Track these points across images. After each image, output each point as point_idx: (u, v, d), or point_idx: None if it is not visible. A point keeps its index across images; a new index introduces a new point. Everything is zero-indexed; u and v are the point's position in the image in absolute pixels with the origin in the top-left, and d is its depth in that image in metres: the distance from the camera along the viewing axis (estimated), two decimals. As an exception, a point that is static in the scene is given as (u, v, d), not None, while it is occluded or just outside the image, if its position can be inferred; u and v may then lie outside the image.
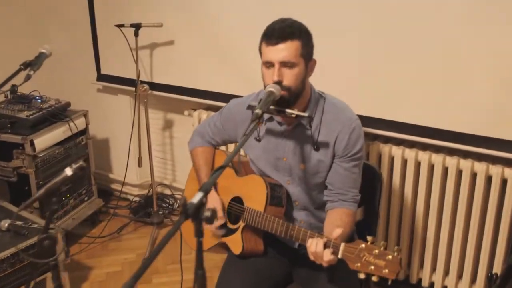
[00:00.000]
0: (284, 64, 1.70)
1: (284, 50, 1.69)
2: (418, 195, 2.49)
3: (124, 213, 3.51)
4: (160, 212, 3.40)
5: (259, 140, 1.95)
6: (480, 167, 2.32)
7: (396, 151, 2.48)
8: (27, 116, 2.87)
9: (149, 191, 3.51)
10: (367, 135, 2.57)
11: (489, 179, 2.33)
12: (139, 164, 3.21)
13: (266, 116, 1.87)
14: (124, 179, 3.43)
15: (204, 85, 2.99)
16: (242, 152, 2.14)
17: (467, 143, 2.32)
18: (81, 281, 2.85)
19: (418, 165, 2.46)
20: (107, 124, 3.61)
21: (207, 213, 1.17)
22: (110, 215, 3.43)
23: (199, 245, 1.21)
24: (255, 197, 1.88)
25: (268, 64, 1.73)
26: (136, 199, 3.61)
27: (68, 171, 1.48)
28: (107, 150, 3.71)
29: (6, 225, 2.35)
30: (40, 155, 2.88)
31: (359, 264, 1.49)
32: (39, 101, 3.07)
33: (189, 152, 2.21)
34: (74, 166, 1.48)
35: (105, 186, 3.73)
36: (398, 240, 2.63)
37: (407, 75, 2.37)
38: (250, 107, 1.68)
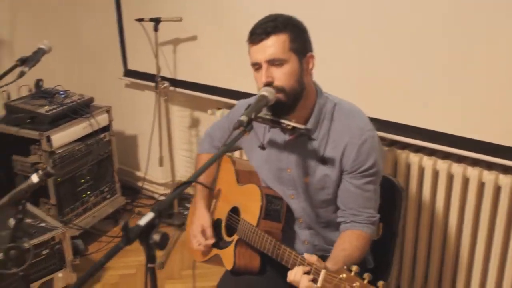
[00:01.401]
0: (272, 62, 1.51)
1: (270, 47, 1.50)
2: (436, 206, 2.26)
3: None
4: (186, 213, 3.28)
5: (263, 148, 1.76)
6: (505, 180, 2.06)
7: (413, 158, 2.25)
8: (46, 111, 2.82)
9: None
10: (383, 140, 2.32)
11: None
12: (160, 163, 3.11)
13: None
14: (145, 177, 3.34)
15: (228, 84, 2.83)
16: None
17: (491, 153, 2.05)
18: (93, 282, 2.77)
19: (436, 174, 2.22)
20: (134, 120, 3.53)
21: (156, 237, 1.03)
22: (133, 214, 3.35)
23: (151, 274, 1.06)
24: (250, 208, 1.71)
25: (256, 66, 1.54)
26: (162, 198, 3.52)
27: (34, 178, 1.38)
28: (135, 147, 3.64)
29: (14, 222, 2.31)
30: (58, 152, 2.83)
31: None
32: (62, 96, 3.02)
33: (196, 155, 2.07)
34: (41, 172, 1.37)
35: (132, 184, 3.67)
36: (428, 259, 2.38)
37: (429, 76, 2.11)
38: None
